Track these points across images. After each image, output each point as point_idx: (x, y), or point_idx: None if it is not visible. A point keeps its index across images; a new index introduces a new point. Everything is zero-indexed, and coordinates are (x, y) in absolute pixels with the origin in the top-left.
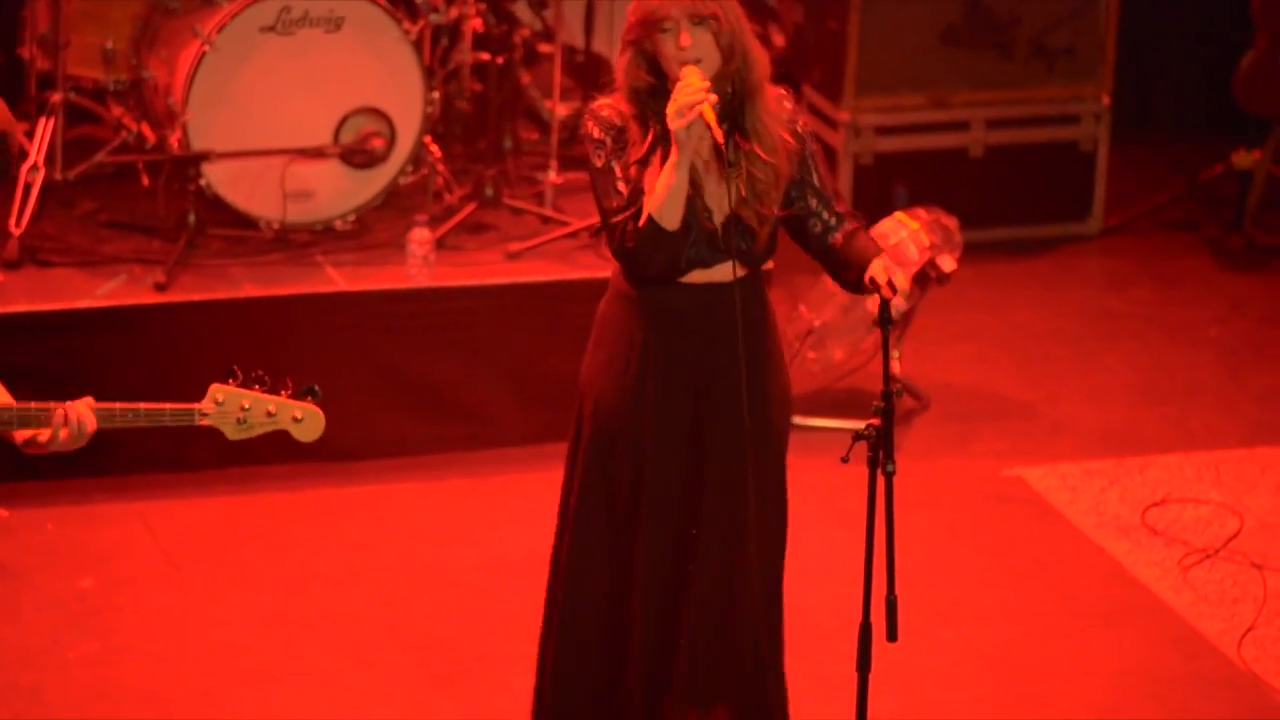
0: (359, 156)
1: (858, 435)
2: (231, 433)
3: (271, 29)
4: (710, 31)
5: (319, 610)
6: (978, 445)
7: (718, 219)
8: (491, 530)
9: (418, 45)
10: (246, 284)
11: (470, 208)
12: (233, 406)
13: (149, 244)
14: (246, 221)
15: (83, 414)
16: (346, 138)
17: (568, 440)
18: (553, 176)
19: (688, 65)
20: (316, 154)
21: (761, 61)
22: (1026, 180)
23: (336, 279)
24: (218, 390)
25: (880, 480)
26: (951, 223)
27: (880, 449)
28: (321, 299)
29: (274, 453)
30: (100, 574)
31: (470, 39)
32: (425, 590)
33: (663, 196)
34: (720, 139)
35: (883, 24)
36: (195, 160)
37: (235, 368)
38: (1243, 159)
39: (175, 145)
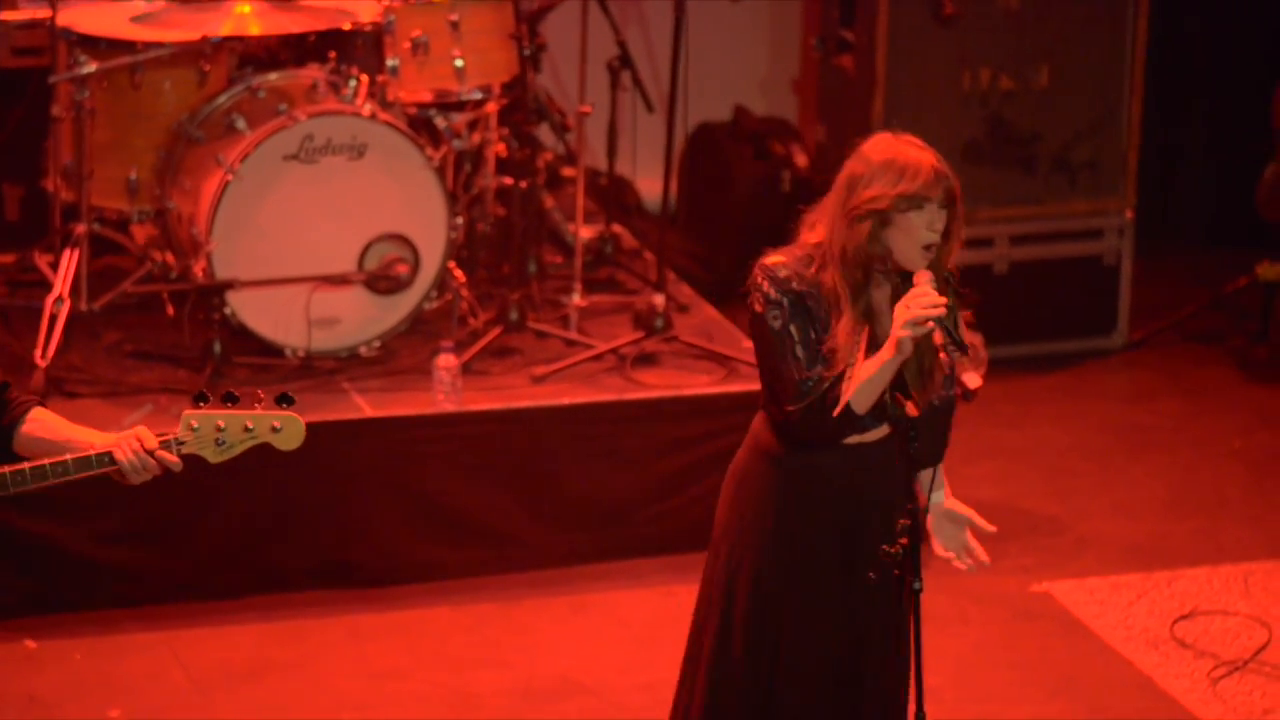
0: (384, 283)
1: (885, 553)
2: (213, 455)
3: (295, 157)
4: (947, 216)
5: None
6: (1005, 561)
7: None
8: (521, 654)
9: (440, 171)
10: None
11: (495, 332)
12: (208, 428)
13: (175, 374)
14: (272, 349)
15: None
16: (371, 264)
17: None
18: (577, 299)
19: (923, 271)
20: (341, 281)
21: (961, 243)
22: (1051, 296)
23: (363, 405)
24: (191, 416)
25: (907, 597)
26: (977, 339)
27: (907, 567)
28: (348, 426)
29: (301, 579)
30: (128, 704)
31: (493, 164)
32: (455, 717)
33: (867, 387)
34: (945, 368)
35: None
36: (220, 289)
37: (204, 390)
38: (1267, 270)
39: (200, 274)
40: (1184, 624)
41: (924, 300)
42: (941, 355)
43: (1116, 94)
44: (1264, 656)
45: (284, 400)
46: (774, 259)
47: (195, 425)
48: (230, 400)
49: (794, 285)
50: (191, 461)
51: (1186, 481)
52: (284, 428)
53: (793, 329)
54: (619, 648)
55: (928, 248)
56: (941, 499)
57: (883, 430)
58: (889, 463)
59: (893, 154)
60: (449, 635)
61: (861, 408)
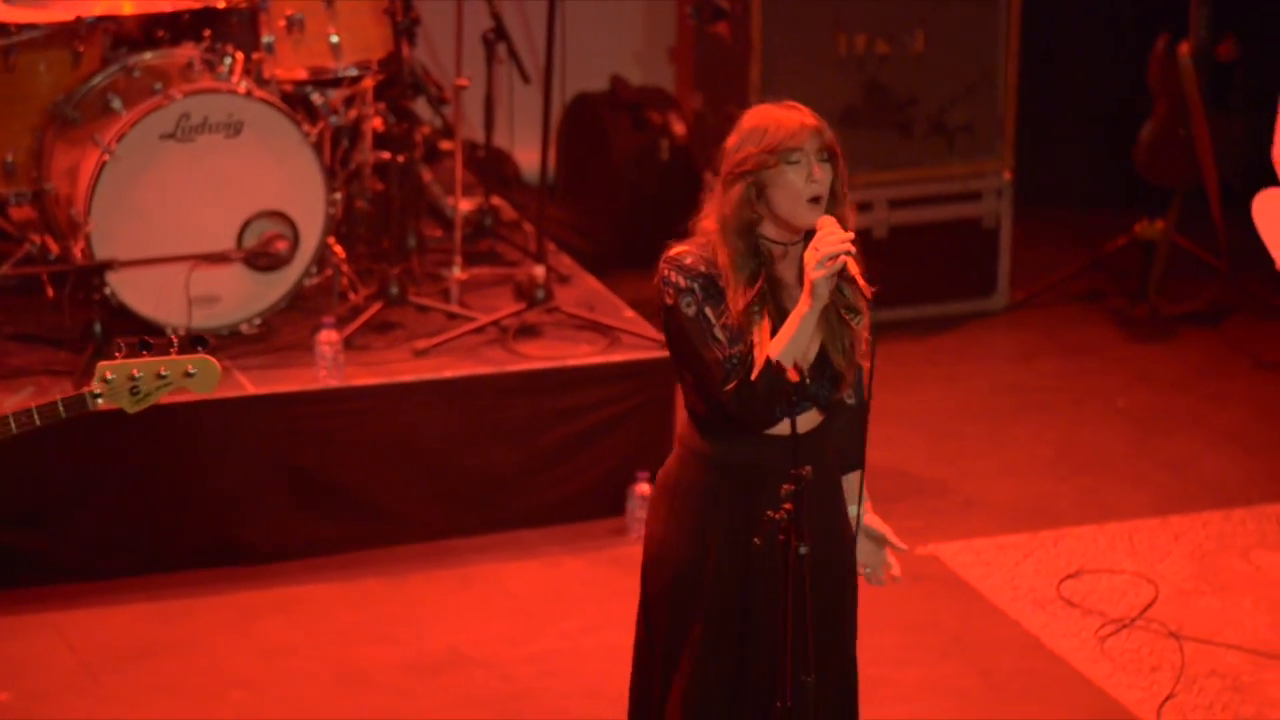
0: (263, 260)
1: (769, 519)
2: (129, 405)
3: (171, 136)
4: (830, 171)
5: (238, 716)
6: (892, 524)
7: (805, 365)
8: (409, 628)
9: (318, 147)
10: None
11: (376, 307)
12: (122, 379)
13: (56, 355)
14: (153, 329)
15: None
16: (250, 242)
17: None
18: (458, 273)
19: (825, 214)
20: (220, 259)
21: (853, 207)
22: (931, 259)
23: (245, 383)
24: (105, 368)
25: (793, 562)
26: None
27: (792, 531)
28: (230, 403)
29: (187, 558)
30: (17, 687)
31: (371, 139)
32: (344, 692)
33: (788, 344)
34: (868, 292)
35: None
36: (99, 270)
37: (119, 340)
38: (1145, 229)
39: (78, 255)
40: (1070, 583)
41: (831, 238)
42: (854, 269)
43: (992, 56)
44: (1151, 614)
45: (199, 343)
46: (677, 250)
47: (109, 377)
48: (144, 348)
49: (702, 269)
50: (85, 430)
51: (1071, 441)
52: (199, 372)
53: (708, 312)
54: (506, 619)
55: (814, 200)
56: (861, 514)
57: (813, 421)
58: (822, 454)
59: (760, 118)
60: (336, 611)
61: (790, 364)
